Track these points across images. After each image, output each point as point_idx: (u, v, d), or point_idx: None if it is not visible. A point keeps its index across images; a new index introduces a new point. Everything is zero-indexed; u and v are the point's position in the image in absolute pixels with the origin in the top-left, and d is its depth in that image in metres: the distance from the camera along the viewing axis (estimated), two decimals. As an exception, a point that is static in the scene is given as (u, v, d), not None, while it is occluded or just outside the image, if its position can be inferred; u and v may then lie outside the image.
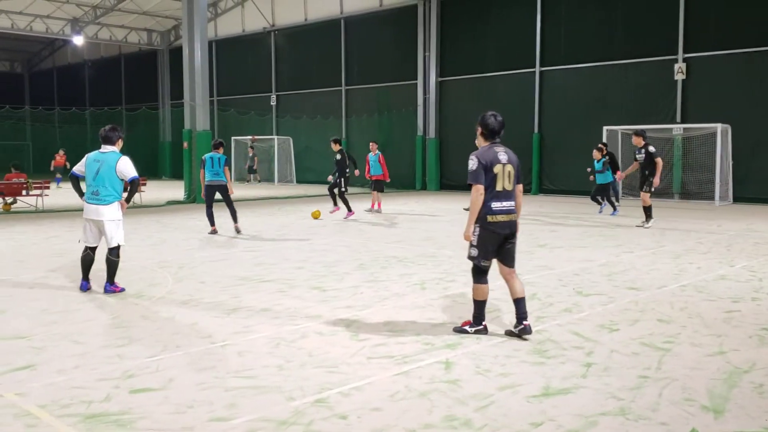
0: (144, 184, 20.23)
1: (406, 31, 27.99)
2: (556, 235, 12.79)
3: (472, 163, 5.68)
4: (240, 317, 6.59)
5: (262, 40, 33.86)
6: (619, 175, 16.26)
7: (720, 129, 19.73)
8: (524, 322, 5.76)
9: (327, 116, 31.12)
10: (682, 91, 21.27)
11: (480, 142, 5.89)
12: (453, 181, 26.85)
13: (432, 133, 27.57)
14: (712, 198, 20.02)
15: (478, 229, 5.72)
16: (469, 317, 6.00)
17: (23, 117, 43.95)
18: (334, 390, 4.55)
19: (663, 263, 9.63)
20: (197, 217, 15.49)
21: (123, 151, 7.84)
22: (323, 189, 20.74)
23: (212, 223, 13.11)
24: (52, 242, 12.11)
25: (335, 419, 4.07)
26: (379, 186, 17.64)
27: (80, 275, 7.89)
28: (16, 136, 42.71)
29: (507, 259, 5.86)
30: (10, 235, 13.19)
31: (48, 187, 19.42)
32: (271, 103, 33.80)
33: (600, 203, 16.84)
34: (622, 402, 4.34)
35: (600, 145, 16.74)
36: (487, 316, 6.03)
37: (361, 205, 18.22)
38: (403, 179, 27.62)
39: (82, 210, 7.84)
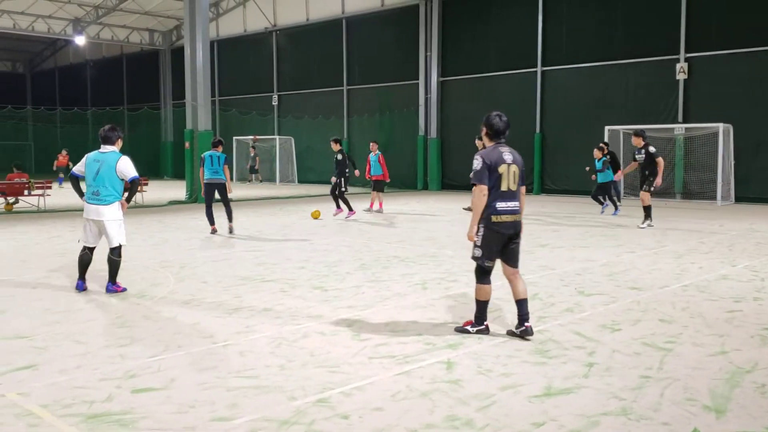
0: (145, 184, 20.27)
1: (407, 31, 27.97)
2: (558, 235, 12.79)
3: (477, 163, 5.68)
4: (242, 317, 6.59)
5: (264, 40, 33.87)
6: (618, 174, 16.26)
7: (722, 129, 19.70)
8: (526, 324, 5.76)
9: (328, 116, 31.12)
10: (684, 90, 21.26)
11: (485, 142, 5.89)
12: (454, 181, 26.83)
13: (433, 133, 27.56)
14: (714, 198, 20.00)
15: (482, 230, 5.71)
16: (471, 317, 6.00)
17: (25, 117, 44.02)
18: (336, 390, 4.55)
19: (665, 263, 9.62)
20: (199, 217, 15.48)
21: (125, 151, 7.83)
22: (325, 189, 20.76)
23: (212, 222, 13.12)
24: (54, 242, 12.12)
25: (337, 419, 4.08)
26: (379, 186, 17.65)
27: (81, 275, 7.90)
28: (18, 136, 42.81)
29: (511, 260, 5.85)
30: (12, 235, 13.21)
31: (50, 187, 19.45)
32: (273, 103, 33.80)
33: (602, 203, 16.82)
34: (624, 402, 4.34)
35: (601, 144, 16.74)
36: (489, 315, 6.02)
37: (362, 205, 18.22)
38: (404, 179, 27.64)
39: (83, 210, 7.85)
